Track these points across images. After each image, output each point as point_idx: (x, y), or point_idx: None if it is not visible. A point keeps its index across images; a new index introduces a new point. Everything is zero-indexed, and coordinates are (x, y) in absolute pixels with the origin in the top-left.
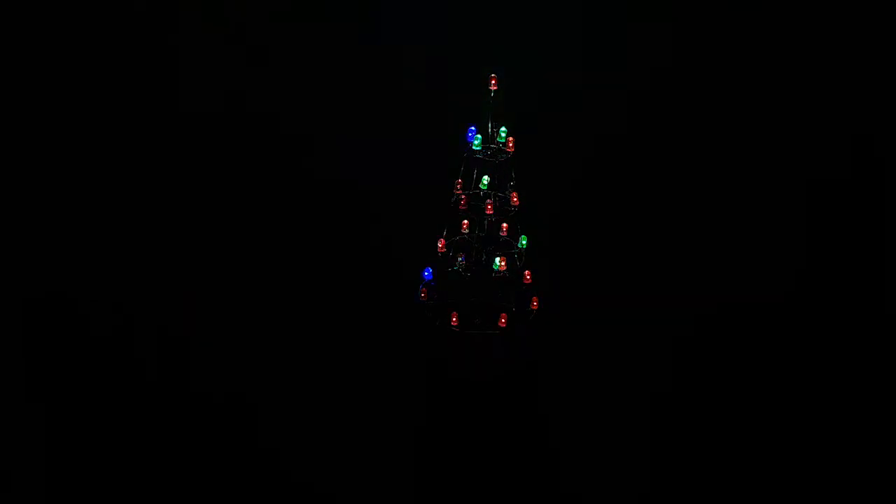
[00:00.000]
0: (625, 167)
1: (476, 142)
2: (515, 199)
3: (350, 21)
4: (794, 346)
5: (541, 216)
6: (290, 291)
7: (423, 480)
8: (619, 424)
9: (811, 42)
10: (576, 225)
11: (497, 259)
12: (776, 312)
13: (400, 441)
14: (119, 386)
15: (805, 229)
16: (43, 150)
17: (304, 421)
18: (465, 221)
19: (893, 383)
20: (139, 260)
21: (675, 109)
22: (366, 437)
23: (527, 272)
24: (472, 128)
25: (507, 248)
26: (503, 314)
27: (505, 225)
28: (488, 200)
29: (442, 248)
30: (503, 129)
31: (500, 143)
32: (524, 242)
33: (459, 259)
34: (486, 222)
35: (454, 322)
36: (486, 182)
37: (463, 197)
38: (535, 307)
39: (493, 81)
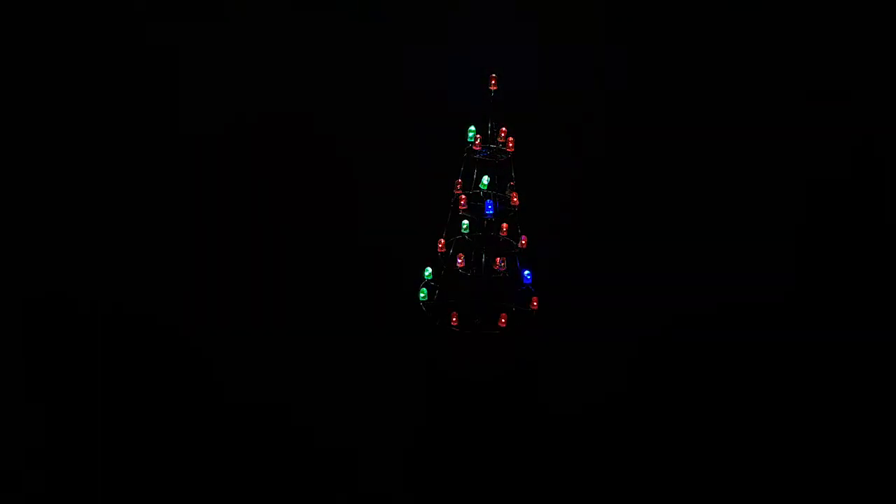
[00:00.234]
0: (624, 167)
1: (470, 135)
2: (515, 200)
3: (351, 19)
4: (793, 345)
5: (541, 216)
6: (290, 291)
7: (423, 480)
8: (618, 424)
9: (811, 43)
10: (575, 225)
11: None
12: (776, 312)
13: (400, 441)
14: (119, 386)
15: (805, 230)
16: (43, 151)
17: (304, 420)
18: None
19: (893, 383)
20: (139, 260)
21: (674, 110)
22: (366, 436)
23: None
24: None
25: (507, 248)
26: (503, 314)
27: (505, 225)
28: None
29: (442, 248)
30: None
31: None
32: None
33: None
34: (485, 222)
35: (454, 322)
36: (486, 182)
37: (462, 197)
38: (535, 307)
39: (493, 81)
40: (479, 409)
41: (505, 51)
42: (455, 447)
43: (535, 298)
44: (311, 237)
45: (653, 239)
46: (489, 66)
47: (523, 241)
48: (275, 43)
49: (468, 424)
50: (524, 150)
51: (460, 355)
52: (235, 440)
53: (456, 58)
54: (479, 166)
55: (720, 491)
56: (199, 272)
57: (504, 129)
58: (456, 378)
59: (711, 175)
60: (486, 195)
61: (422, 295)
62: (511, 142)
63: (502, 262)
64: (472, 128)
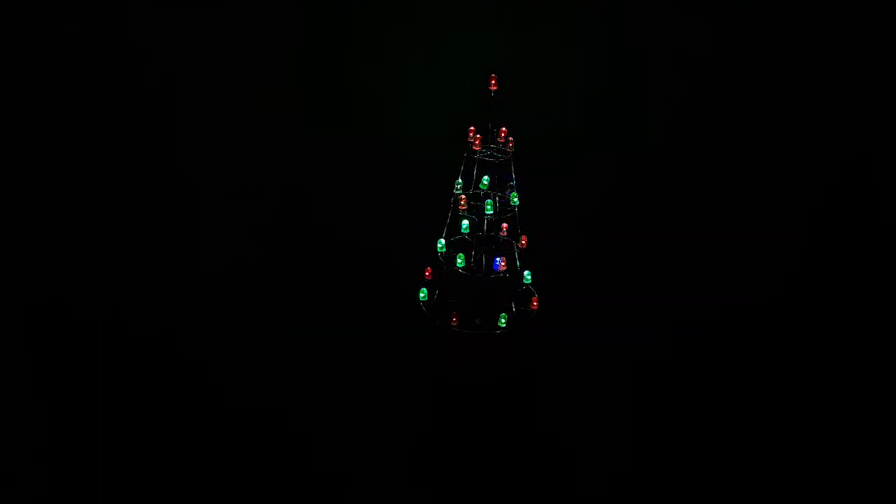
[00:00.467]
0: (625, 167)
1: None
2: (524, 242)
3: (349, 20)
4: (793, 346)
5: (541, 216)
6: (290, 291)
7: (423, 480)
8: (619, 424)
9: (811, 43)
10: (575, 225)
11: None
12: (776, 312)
13: (400, 441)
14: (119, 386)
15: (805, 230)
16: (43, 152)
17: (304, 420)
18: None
19: (893, 383)
20: (139, 260)
21: (674, 110)
22: (366, 436)
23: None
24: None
25: (507, 248)
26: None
27: (505, 225)
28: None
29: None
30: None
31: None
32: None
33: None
34: (485, 222)
35: (454, 322)
36: (486, 182)
37: (462, 197)
38: (535, 307)
39: (493, 81)
40: (479, 409)
41: (505, 51)
42: (455, 447)
43: (535, 298)
44: (310, 237)
45: (653, 239)
46: (489, 67)
47: (523, 241)
48: (274, 42)
49: (468, 424)
50: (524, 150)
51: (460, 355)
52: (235, 440)
53: (456, 57)
54: (480, 166)
55: (720, 491)
56: (199, 272)
57: (504, 129)
58: (456, 378)
59: (711, 175)
60: (486, 195)
61: (422, 295)
62: (511, 142)
63: (502, 262)
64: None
